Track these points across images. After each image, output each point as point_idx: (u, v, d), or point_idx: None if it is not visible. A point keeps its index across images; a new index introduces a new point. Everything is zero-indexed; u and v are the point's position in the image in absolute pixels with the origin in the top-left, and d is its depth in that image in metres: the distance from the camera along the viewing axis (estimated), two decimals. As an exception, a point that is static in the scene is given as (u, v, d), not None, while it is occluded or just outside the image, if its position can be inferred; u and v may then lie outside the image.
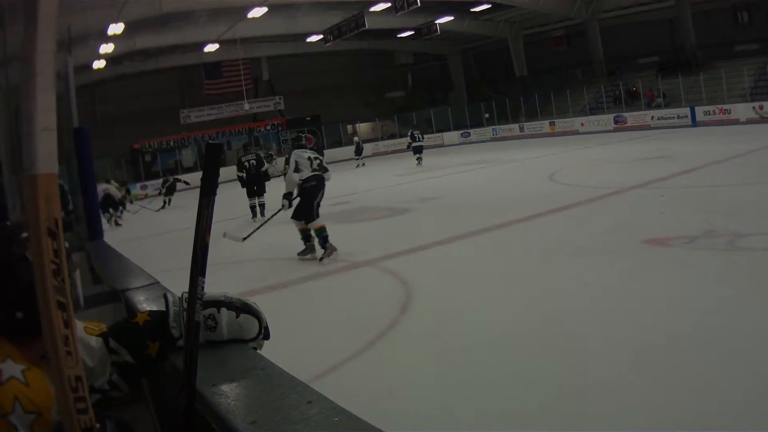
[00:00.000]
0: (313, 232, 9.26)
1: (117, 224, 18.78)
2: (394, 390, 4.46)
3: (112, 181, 21.69)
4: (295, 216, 9.30)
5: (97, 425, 1.10)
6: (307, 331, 5.99)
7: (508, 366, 4.64)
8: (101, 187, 18.61)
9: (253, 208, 15.12)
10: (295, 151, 9.60)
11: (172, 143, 37.47)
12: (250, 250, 10.39)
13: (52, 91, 1.00)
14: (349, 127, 42.63)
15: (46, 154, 0.99)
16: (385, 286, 7.42)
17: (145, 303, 2.28)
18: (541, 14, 35.36)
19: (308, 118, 41.19)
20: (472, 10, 33.23)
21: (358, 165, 30.31)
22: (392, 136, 41.39)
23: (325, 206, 15.44)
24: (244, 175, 15.06)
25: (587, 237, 8.68)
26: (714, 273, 6.29)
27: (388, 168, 26.60)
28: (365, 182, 21.59)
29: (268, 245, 10.98)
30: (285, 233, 12.75)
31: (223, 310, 1.55)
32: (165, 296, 1.64)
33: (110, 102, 35.17)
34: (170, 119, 36.27)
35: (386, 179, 21.49)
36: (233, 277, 8.42)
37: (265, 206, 14.66)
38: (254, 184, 15.12)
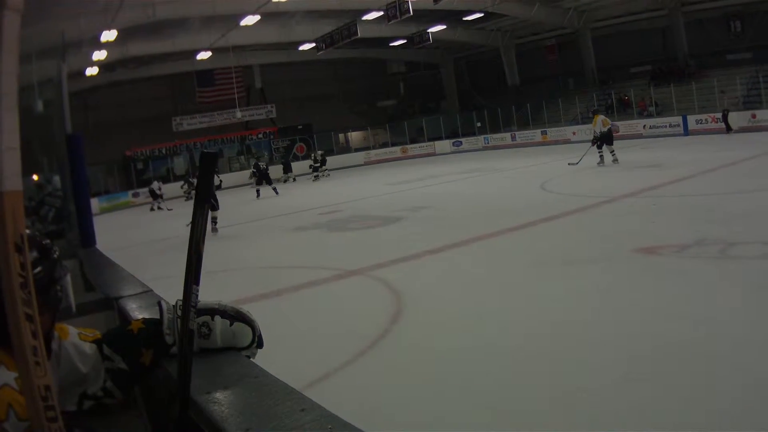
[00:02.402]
0: None
1: (160, 208, 25.48)
2: (385, 399, 4.46)
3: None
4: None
5: None
6: (300, 339, 5.98)
7: (499, 375, 4.64)
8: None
9: (257, 191, 24.08)
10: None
11: (164, 151, 37.32)
12: (244, 259, 10.38)
13: (15, 111, 1.02)
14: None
15: (11, 172, 1.01)
16: (377, 295, 7.42)
17: (138, 311, 2.27)
18: (533, 23, 35.50)
19: (300, 127, 41.21)
20: (465, 19, 33.25)
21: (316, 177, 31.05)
22: (384, 145, 41.40)
23: (316, 215, 15.69)
24: (257, 171, 24.26)
25: (579, 246, 8.70)
26: (705, 281, 6.31)
27: (379, 177, 26.59)
28: (357, 191, 21.62)
29: (262, 254, 10.97)
30: (279, 243, 12.78)
31: (217, 318, 1.55)
32: (159, 304, 1.64)
33: (102, 109, 34.96)
34: (162, 127, 36.21)
35: (378, 188, 21.51)
36: (227, 286, 8.40)
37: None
38: (263, 178, 23.92)
